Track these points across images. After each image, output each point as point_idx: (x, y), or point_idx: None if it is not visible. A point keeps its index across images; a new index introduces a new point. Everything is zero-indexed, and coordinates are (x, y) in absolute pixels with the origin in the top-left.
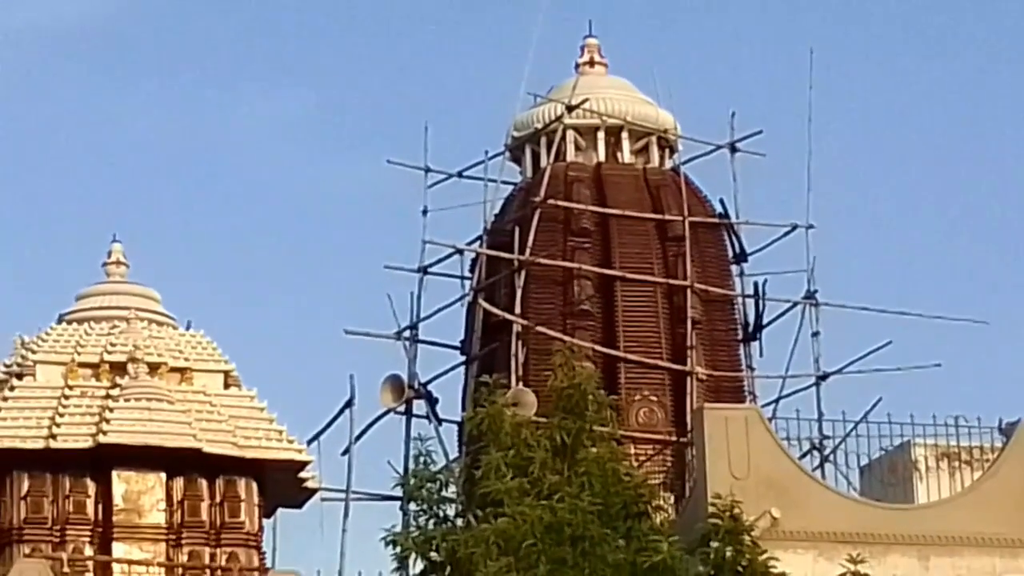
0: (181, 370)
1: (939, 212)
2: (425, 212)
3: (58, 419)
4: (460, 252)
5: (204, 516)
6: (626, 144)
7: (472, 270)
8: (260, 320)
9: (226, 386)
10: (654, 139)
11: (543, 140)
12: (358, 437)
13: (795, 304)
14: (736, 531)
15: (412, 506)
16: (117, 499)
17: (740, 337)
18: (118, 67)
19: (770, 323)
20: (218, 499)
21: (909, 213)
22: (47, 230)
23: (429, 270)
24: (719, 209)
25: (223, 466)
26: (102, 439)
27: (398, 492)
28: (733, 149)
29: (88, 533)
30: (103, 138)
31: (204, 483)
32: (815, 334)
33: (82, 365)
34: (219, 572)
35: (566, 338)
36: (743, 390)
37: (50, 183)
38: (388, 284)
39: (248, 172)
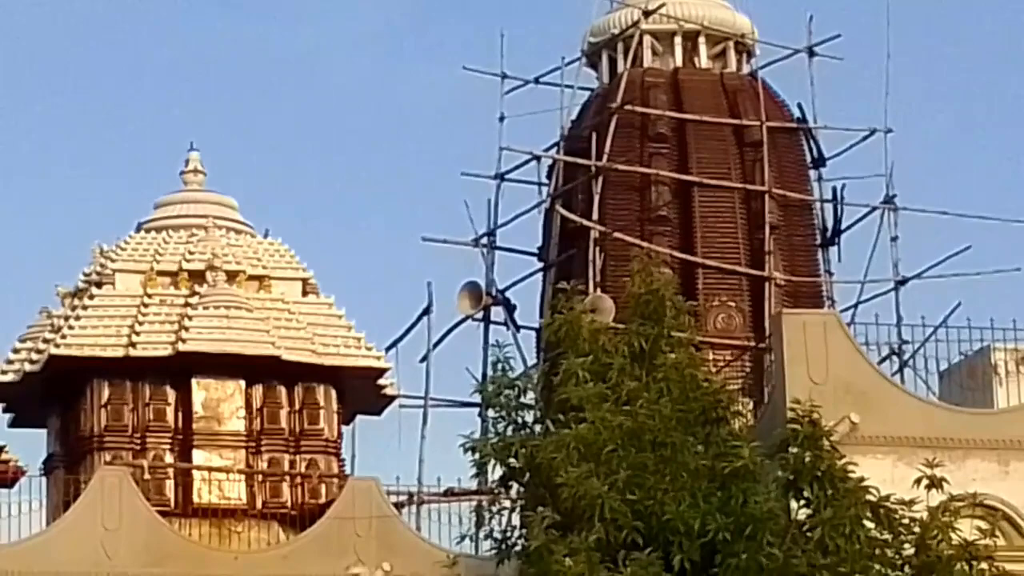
0: (259, 278)
1: (1018, 115)
2: (502, 119)
3: (137, 327)
4: (537, 159)
5: (283, 423)
6: (703, 49)
7: (549, 176)
8: (338, 228)
9: (304, 294)
10: (731, 44)
11: (620, 46)
12: (436, 344)
13: (873, 209)
14: (815, 436)
15: (491, 413)
16: (197, 407)
17: (818, 242)
18: None
19: (848, 228)
20: (297, 406)
21: (987, 116)
22: (125, 139)
23: (506, 177)
24: (797, 114)
25: (302, 373)
26: (181, 347)
27: (476, 399)
28: (811, 53)
29: (168, 441)
30: (181, 47)
31: (283, 390)
32: (894, 239)
33: (161, 273)
34: (298, 479)
35: (644, 244)
36: (821, 295)
37: (128, 93)
38: (466, 191)
39: (326, 81)
